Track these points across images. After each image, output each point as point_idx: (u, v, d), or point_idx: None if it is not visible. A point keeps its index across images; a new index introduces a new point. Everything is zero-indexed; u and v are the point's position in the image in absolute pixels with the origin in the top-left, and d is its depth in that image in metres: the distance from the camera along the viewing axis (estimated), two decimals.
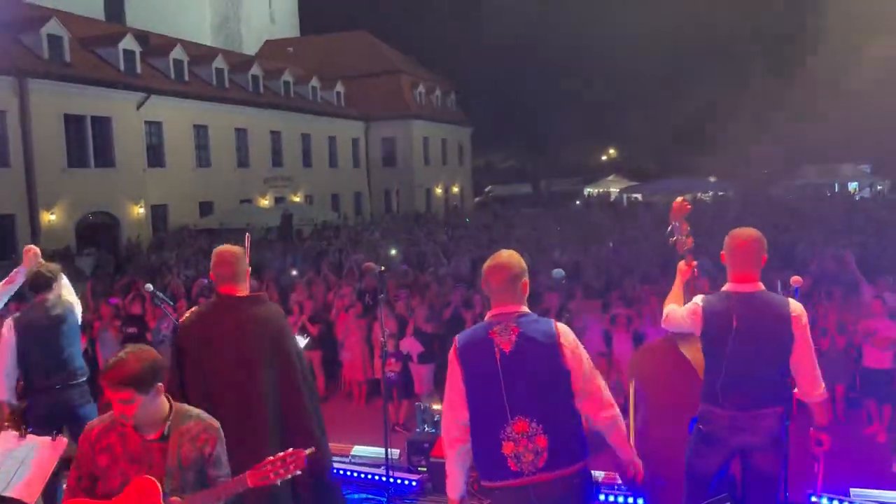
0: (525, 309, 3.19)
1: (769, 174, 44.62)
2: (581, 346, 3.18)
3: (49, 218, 22.14)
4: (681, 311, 3.88)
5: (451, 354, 3.21)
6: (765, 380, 3.56)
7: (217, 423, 2.99)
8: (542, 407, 3.06)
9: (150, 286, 5.20)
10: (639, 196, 43.09)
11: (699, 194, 39.56)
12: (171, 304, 6.19)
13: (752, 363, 3.56)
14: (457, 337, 3.26)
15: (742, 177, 41.73)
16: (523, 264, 3.26)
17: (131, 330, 9.96)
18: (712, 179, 46.63)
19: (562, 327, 3.17)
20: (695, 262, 4.34)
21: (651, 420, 4.45)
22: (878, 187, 40.61)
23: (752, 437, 3.57)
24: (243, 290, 4.14)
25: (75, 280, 14.13)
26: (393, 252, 16.45)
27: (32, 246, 5.51)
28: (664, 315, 4.02)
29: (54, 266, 5.39)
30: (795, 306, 3.63)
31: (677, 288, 4.20)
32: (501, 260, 3.23)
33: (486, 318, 3.24)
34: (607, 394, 3.19)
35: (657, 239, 17.27)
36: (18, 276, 5.25)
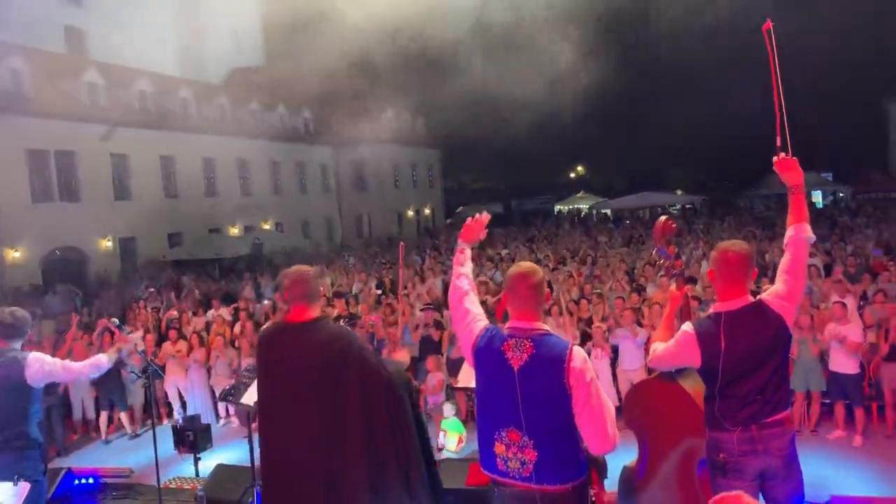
0: (543, 326, 3.23)
1: (734, 185, 45.34)
2: (590, 372, 3.11)
3: (13, 255, 21.68)
4: (670, 346, 3.63)
5: (470, 347, 3.33)
6: (762, 390, 3.41)
7: None
8: (538, 425, 3.10)
9: (115, 320, 5.11)
10: (608, 211, 43.53)
11: (667, 206, 40.09)
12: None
13: (746, 378, 3.41)
14: (484, 328, 3.33)
15: (709, 189, 42.30)
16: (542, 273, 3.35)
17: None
18: (679, 193, 47.28)
19: (576, 351, 3.13)
20: (687, 287, 4.11)
21: (654, 461, 4.23)
22: (840, 194, 41.40)
23: (767, 460, 3.41)
24: (310, 313, 3.76)
25: (43, 318, 13.72)
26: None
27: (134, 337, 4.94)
28: (651, 355, 3.79)
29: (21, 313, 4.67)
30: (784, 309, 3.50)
31: (668, 319, 3.94)
32: (526, 268, 3.29)
33: (505, 328, 3.27)
34: (605, 425, 3.08)
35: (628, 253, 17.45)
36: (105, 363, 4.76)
